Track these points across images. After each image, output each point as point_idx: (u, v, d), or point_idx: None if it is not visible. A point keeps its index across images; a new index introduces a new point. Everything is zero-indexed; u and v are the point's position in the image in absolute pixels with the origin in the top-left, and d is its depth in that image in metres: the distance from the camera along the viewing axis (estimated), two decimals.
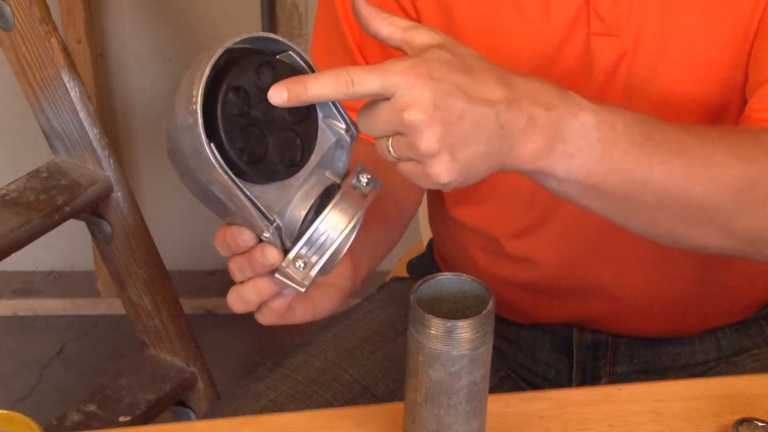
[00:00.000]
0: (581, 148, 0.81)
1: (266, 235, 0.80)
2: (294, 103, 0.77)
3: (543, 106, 0.80)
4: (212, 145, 0.76)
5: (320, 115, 0.83)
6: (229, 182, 0.77)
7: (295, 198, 0.82)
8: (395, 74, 0.75)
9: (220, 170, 0.76)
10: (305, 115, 0.82)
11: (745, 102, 0.99)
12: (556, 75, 1.01)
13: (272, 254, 0.81)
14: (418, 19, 1.05)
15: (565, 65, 1.01)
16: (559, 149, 0.80)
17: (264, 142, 0.79)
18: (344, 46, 1.09)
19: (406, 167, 0.78)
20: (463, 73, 0.77)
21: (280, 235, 0.81)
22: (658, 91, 1.01)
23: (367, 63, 1.08)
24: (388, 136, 0.78)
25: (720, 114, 1.01)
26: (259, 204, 0.79)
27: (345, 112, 0.83)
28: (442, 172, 0.77)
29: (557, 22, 1.00)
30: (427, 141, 0.75)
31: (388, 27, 0.80)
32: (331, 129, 0.84)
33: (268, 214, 0.79)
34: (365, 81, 0.76)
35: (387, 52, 1.06)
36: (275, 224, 0.80)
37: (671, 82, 1.00)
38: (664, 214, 0.87)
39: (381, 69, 0.76)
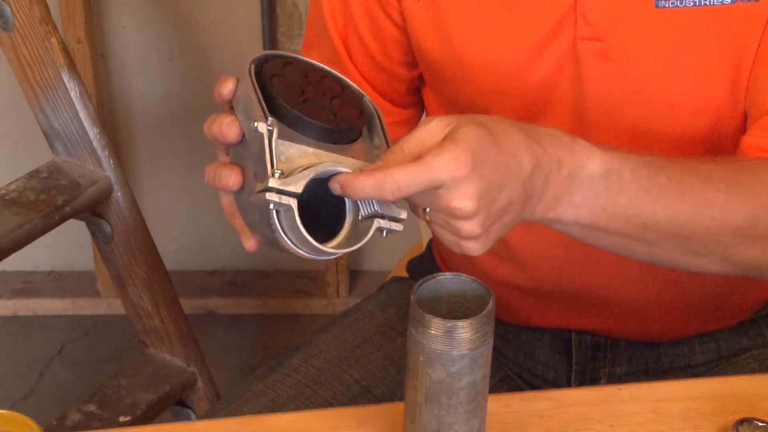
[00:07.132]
0: (588, 199, 0.85)
1: (257, 124, 0.79)
2: (345, 195, 0.79)
3: (556, 163, 0.83)
4: (252, 67, 0.81)
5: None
6: (249, 76, 0.80)
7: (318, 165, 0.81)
8: (439, 171, 0.77)
9: (248, 72, 0.80)
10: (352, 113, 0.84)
11: (735, 134, 1.00)
12: (538, 74, 1.01)
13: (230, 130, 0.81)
14: (401, 16, 1.06)
15: (548, 65, 1.01)
16: (565, 202, 0.85)
17: (301, 97, 0.82)
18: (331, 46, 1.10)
19: (439, 231, 0.82)
20: (496, 148, 0.79)
21: (270, 139, 0.79)
22: (644, 101, 1.00)
23: (353, 60, 1.10)
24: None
25: (704, 133, 1.01)
26: (261, 98, 0.80)
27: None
28: (477, 248, 0.82)
29: (543, 22, 0.99)
30: (471, 226, 0.80)
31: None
32: None
33: (266, 111, 0.79)
34: (411, 185, 0.78)
35: (371, 54, 1.08)
36: (270, 121, 0.79)
37: (662, 95, 0.99)
38: (665, 249, 0.91)
39: (425, 168, 0.77)
